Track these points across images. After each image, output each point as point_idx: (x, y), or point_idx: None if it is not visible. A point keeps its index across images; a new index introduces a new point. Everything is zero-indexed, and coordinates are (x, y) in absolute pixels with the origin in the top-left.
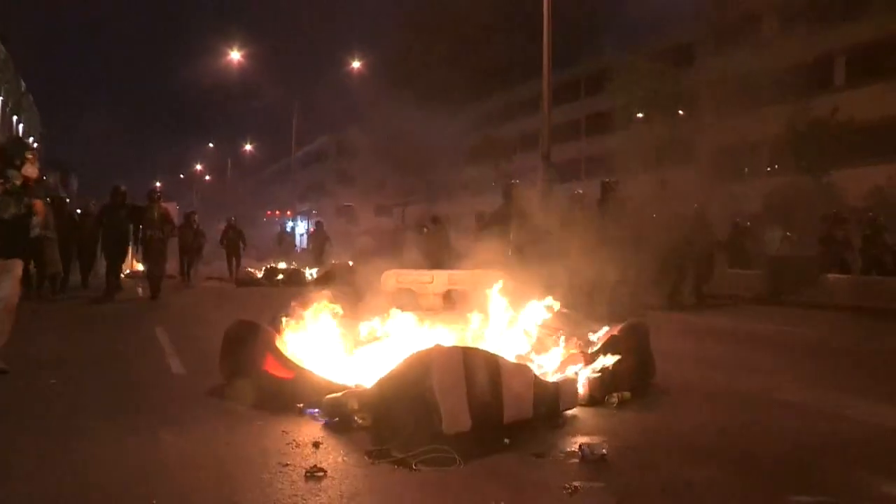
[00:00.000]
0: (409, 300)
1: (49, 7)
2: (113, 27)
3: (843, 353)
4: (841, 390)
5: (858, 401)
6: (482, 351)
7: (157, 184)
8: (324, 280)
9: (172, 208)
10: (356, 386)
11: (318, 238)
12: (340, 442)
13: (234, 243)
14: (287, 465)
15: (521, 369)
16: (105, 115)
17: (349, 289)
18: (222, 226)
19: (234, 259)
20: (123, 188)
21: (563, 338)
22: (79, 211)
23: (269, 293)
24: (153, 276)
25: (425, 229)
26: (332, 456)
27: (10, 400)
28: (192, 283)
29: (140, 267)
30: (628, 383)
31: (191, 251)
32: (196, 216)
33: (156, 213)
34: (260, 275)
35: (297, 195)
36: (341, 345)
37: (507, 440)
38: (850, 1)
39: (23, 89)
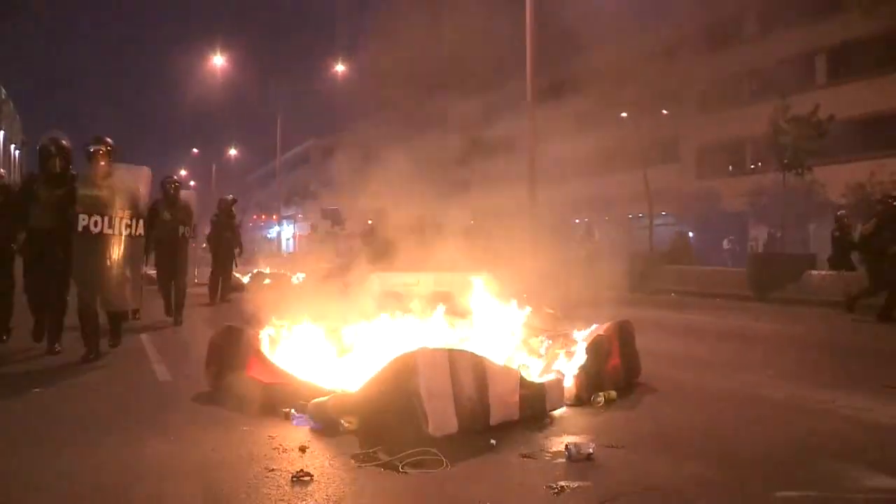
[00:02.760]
0: (394, 303)
1: (27, 14)
2: (96, 34)
3: (826, 348)
4: (825, 386)
5: (842, 396)
6: (468, 353)
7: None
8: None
9: (143, 177)
10: (342, 390)
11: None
12: (327, 446)
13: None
14: (273, 469)
15: (507, 370)
16: (88, 123)
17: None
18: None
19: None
20: (65, 141)
21: (548, 338)
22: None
23: (255, 298)
24: (87, 312)
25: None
26: (319, 460)
27: None
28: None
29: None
30: (614, 383)
31: (226, 257)
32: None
33: (97, 188)
34: (246, 280)
35: (283, 199)
36: (327, 349)
37: (493, 441)
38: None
39: (3, 96)
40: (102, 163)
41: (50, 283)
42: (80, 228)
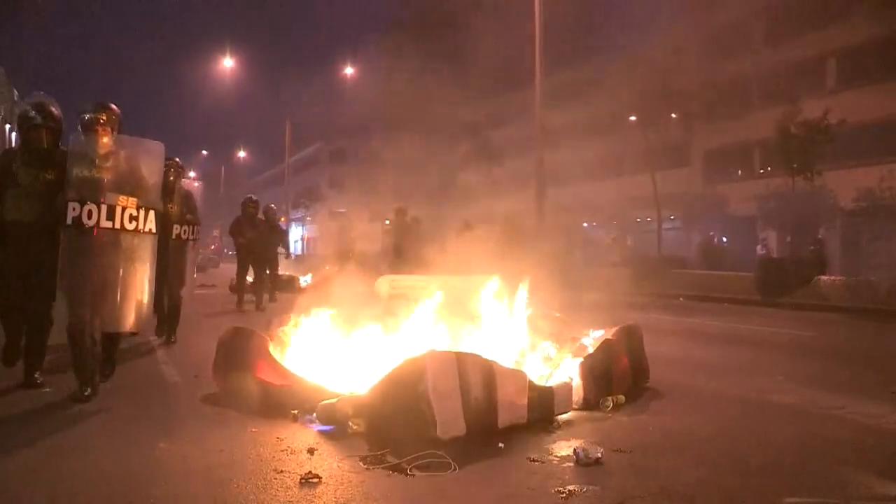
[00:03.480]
0: (403, 306)
1: (41, 16)
2: (107, 38)
3: (835, 353)
4: (833, 391)
5: (850, 401)
6: (476, 356)
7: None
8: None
9: (155, 155)
10: (351, 392)
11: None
12: (335, 448)
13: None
14: (282, 471)
15: (516, 374)
16: None
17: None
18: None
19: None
20: (54, 109)
21: (557, 342)
22: None
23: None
24: (79, 335)
25: (387, 221)
26: (327, 462)
27: (4, 410)
28: (265, 306)
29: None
30: (622, 387)
31: (251, 261)
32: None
33: (95, 168)
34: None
35: (291, 201)
36: (335, 351)
37: (501, 445)
38: (840, 4)
39: (15, 98)
40: (105, 137)
41: (31, 292)
42: (69, 221)
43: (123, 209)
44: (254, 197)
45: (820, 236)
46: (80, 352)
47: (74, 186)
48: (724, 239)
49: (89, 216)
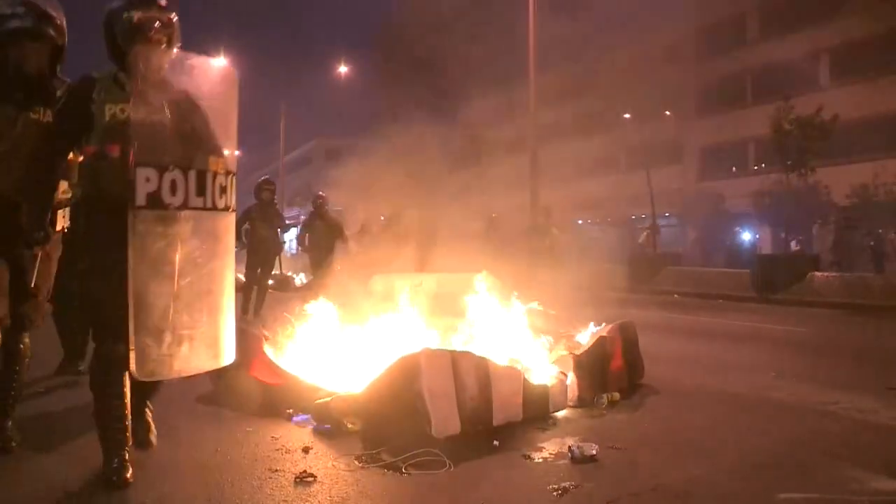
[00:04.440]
0: (397, 304)
1: None
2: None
3: (830, 349)
4: (827, 386)
5: (846, 397)
6: (471, 354)
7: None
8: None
9: (230, 82)
10: (345, 391)
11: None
12: (330, 447)
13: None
14: (276, 470)
15: (510, 372)
16: None
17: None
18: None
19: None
20: (51, 10)
21: (551, 339)
22: None
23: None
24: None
25: (382, 217)
26: (322, 461)
27: None
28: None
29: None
30: (617, 384)
31: (260, 259)
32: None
33: (152, 107)
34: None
35: (285, 200)
36: (330, 349)
37: (496, 442)
38: (834, 0)
39: None
40: (164, 52)
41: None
42: (141, 200)
43: (214, 176)
44: (270, 179)
45: (880, 231)
46: (108, 405)
47: (116, 133)
48: (757, 235)
49: (173, 190)
